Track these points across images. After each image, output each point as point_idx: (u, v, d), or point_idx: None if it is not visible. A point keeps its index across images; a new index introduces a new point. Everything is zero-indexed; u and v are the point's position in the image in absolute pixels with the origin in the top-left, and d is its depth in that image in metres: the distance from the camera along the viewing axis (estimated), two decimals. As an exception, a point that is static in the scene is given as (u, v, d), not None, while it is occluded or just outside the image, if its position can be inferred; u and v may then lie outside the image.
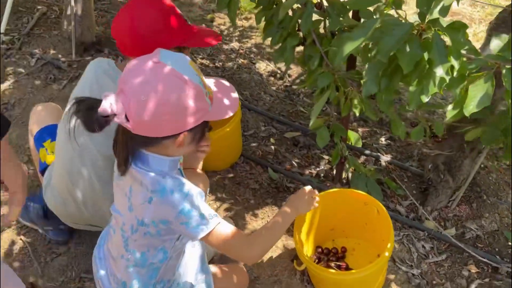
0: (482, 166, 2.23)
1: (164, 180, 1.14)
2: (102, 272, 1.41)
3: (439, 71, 1.05)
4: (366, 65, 1.20)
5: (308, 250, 1.85)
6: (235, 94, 1.31)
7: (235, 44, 3.35)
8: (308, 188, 1.56)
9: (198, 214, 1.16)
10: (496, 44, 1.15)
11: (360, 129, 2.60)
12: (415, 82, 1.12)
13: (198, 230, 1.17)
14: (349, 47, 1.10)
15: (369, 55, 1.20)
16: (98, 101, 1.03)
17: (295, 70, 3.12)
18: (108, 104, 1.01)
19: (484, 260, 1.81)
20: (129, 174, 1.18)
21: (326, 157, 2.40)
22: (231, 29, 3.52)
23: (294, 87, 3.00)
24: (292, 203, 1.49)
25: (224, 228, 1.23)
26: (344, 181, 2.24)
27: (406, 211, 2.10)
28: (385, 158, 2.37)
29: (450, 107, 1.19)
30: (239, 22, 3.58)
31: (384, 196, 2.14)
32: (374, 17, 1.31)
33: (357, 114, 1.70)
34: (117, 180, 1.27)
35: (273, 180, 2.28)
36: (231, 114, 1.22)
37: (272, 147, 2.48)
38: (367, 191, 2.00)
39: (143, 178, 1.14)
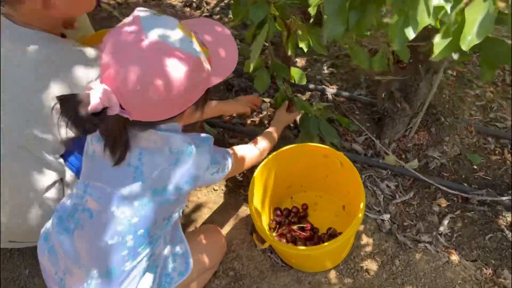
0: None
1: (186, 136, 1.08)
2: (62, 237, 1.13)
3: (435, -2, 0.73)
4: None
5: (265, 215, 1.59)
6: (227, 34, 1.13)
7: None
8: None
9: (221, 152, 1.25)
10: None
11: (298, 60, 2.29)
12: (397, 13, 0.80)
13: (227, 164, 1.24)
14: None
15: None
16: (80, 96, 0.85)
17: (213, -3, 2.67)
18: (97, 99, 0.85)
19: (453, 192, 1.66)
20: (134, 146, 1.03)
21: (268, 100, 2.08)
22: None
23: (216, 17, 2.56)
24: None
25: (237, 151, 1.37)
26: (292, 125, 1.96)
27: (363, 148, 1.89)
28: (331, 90, 2.10)
29: (437, 38, 0.90)
30: None
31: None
32: None
33: (305, 50, 1.37)
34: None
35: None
36: (233, 68, 1.11)
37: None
38: (318, 134, 1.74)
39: (162, 141, 1.04)
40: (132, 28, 0.91)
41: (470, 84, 2.21)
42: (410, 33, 0.81)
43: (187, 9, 2.63)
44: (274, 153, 1.49)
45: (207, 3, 2.67)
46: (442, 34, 0.89)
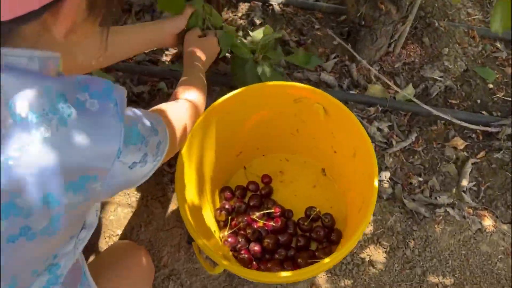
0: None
1: (57, 81, 0.46)
2: None
3: None
4: None
5: (208, 205, 1.00)
6: None
7: None
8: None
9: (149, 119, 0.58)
10: None
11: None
12: None
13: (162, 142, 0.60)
14: None
15: None
16: None
17: None
18: None
19: (470, 126, 1.15)
20: None
21: (186, 20, 1.39)
22: None
23: None
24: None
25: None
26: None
27: (336, 78, 1.30)
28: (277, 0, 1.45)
29: None
30: None
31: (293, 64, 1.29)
32: None
33: None
34: None
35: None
36: None
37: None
38: (264, 71, 1.11)
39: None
40: None
41: (454, -25, 1.65)
42: None
43: None
44: (210, 106, 0.87)
45: None
46: None
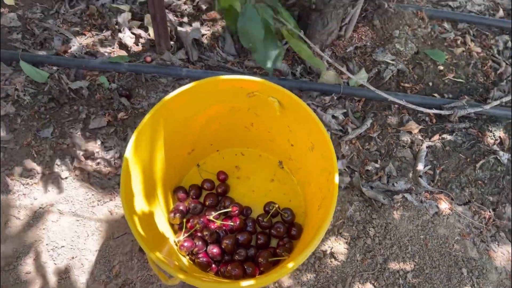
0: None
1: None
2: None
3: None
4: None
5: (161, 207, 0.93)
6: None
7: None
8: None
9: None
10: None
11: None
12: None
13: None
14: None
15: None
16: None
17: None
18: None
19: (424, 110, 1.15)
20: None
21: (126, 8, 1.29)
22: None
23: None
24: None
25: None
26: (175, 46, 1.23)
27: (288, 65, 1.26)
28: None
29: None
30: None
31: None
32: None
33: None
34: None
35: (39, 84, 1.14)
36: None
37: (13, 14, 1.25)
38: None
39: None
40: None
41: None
42: None
43: None
44: (158, 104, 0.79)
45: None
46: None
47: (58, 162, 1.05)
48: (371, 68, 1.27)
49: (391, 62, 1.27)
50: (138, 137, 0.79)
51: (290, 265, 0.67)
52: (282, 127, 0.90)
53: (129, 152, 0.76)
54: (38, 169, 1.04)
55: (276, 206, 0.96)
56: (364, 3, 1.34)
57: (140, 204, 0.81)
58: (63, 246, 0.97)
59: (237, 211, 0.97)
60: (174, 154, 0.94)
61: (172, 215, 0.96)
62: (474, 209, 1.09)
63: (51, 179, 1.03)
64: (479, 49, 1.36)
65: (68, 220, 0.99)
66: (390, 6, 1.38)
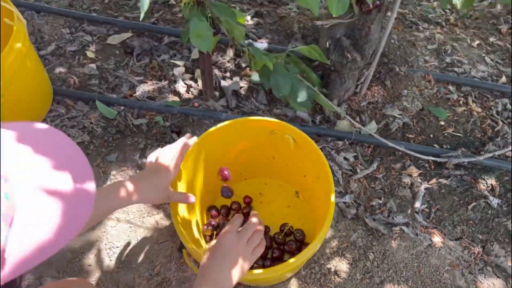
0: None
1: None
2: None
3: None
4: None
5: (195, 219, 1.16)
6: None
7: None
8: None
9: None
10: None
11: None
12: None
13: None
14: None
15: None
16: None
17: None
18: None
19: (423, 157, 1.35)
20: None
21: (180, 63, 1.60)
22: None
23: None
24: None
25: None
26: (218, 95, 1.52)
27: (309, 114, 1.51)
28: (261, 45, 1.67)
29: None
30: None
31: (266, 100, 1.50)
32: None
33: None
34: None
35: (109, 119, 1.44)
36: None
37: (93, 65, 1.58)
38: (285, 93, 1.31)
39: None
40: None
41: (415, 27, 1.91)
42: None
43: None
44: (201, 136, 1.05)
45: None
46: None
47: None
48: (380, 120, 1.50)
49: (398, 116, 1.49)
50: (185, 161, 1.04)
51: (292, 259, 0.88)
52: (297, 160, 1.13)
53: (176, 175, 1.02)
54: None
55: (289, 226, 1.18)
56: (377, 66, 1.59)
57: (183, 214, 1.05)
58: (118, 247, 1.21)
59: (257, 228, 1.19)
60: (211, 178, 1.19)
61: (205, 227, 1.19)
62: (464, 245, 1.26)
63: (112, 193, 1.30)
64: (479, 109, 1.56)
65: (123, 226, 1.24)
66: (401, 69, 1.62)
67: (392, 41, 1.73)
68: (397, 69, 1.61)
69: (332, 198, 0.93)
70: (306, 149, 1.05)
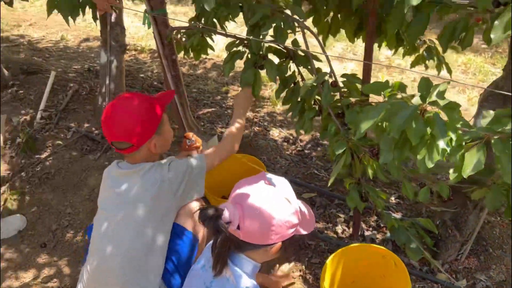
0: (486, 221, 2.44)
1: (248, 281, 1.30)
2: None
3: (441, 144, 1.30)
4: (381, 139, 1.45)
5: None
6: (306, 208, 1.46)
7: (249, 114, 3.66)
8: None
9: None
10: (485, 119, 1.42)
11: (370, 189, 2.83)
12: (422, 151, 1.36)
13: None
14: (365, 125, 1.36)
15: (384, 131, 1.46)
16: (218, 210, 1.21)
17: (305, 135, 3.41)
18: (228, 214, 1.21)
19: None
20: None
21: (342, 216, 2.60)
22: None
23: (307, 151, 3.27)
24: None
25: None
26: (361, 238, 2.43)
27: (419, 264, 2.28)
28: (396, 216, 2.58)
29: (451, 171, 1.43)
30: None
31: (395, 251, 2.32)
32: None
33: (370, 177, 1.94)
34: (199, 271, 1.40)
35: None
36: (313, 227, 1.42)
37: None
38: (404, 243, 2.17)
39: (234, 275, 1.28)
40: (256, 177, 1.34)
41: (522, 226, 2.55)
42: (429, 164, 1.36)
43: (285, 143, 3.37)
44: (342, 248, 1.98)
45: (301, 141, 3.41)
46: (454, 169, 1.42)
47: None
48: (470, 280, 2.17)
49: (483, 280, 2.15)
50: (330, 261, 1.95)
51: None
52: (397, 279, 1.93)
53: (326, 265, 1.93)
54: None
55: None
56: (476, 244, 2.31)
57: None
58: None
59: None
60: (344, 280, 2.05)
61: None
62: None
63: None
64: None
65: (290, 296, 2.15)
66: (495, 252, 2.29)
67: (494, 232, 2.43)
68: (491, 250, 2.29)
69: (407, 294, 1.72)
70: (402, 272, 1.86)
